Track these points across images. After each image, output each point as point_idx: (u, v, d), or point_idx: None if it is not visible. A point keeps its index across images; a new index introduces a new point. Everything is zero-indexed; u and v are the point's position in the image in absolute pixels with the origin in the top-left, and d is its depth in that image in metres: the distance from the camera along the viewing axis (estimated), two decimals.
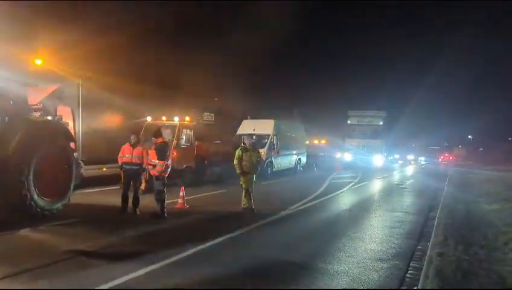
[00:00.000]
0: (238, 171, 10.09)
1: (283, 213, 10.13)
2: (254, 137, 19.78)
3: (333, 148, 32.09)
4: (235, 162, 10.11)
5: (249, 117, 21.03)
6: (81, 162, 13.28)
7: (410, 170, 34.18)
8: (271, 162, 19.25)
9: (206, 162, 15.63)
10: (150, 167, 9.23)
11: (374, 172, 25.51)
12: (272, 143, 19.37)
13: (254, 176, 10.19)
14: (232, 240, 7.24)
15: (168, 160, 9.50)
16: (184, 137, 14.38)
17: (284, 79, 42.31)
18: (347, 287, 5.20)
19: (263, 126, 20.07)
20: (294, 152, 22.34)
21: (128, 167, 9.41)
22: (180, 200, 10.37)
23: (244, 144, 10.32)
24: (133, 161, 9.41)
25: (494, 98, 74.96)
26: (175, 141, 13.74)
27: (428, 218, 10.29)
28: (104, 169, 14.25)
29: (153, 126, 14.45)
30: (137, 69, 18.01)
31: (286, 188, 16.25)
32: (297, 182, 18.79)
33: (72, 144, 9.24)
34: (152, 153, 9.28)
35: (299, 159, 22.92)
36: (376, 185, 18.43)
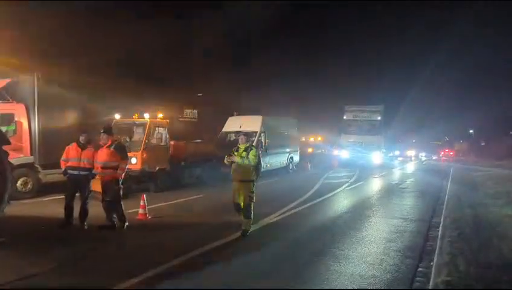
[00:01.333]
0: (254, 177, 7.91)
1: (262, 223, 8.66)
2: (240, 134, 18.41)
3: (331, 145, 30.64)
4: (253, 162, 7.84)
5: (235, 113, 19.55)
6: (38, 166, 11.89)
7: (410, 167, 32.70)
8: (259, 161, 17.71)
9: (183, 163, 14.15)
10: (108, 170, 7.82)
11: (372, 170, 24.03)
12: (259, 141, 17.88)
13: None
14: (179, 271, 5.76)
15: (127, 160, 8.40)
16: (156, 136, 12.91)
17: (280, 75, 40.71)
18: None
19: (250, 123, 18.58)
20: (286, 150, 20.85)
21: (75, 172, 7.94)
22: (141, 210, 8.92)
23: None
24: (82, 165, 7.95)
25: (495, 87, 72.85)
26: (145, 140, 12.26)
27: (431, 226, 8.82)
28: None
29: (122, 125, 13.03)
30: (105, 59, 16.52)
31: (274, 190, 14.79)
32: (288, 183, 17.33)
33: (5, 147, 7.72)
34: (106, 153, 7.86)
35: (291, 157, 21.42)
36: (373, 185, 16.95)
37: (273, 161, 19.30)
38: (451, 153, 59.61)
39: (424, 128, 69.75)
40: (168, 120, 13.55)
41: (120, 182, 8.03)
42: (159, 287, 4.92)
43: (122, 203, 8.06)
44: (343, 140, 27.43)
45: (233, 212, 7.93)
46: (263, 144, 18.28)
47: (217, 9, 31.63)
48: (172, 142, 13.76)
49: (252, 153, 7.98)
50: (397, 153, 47.00)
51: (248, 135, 17.94)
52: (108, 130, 8.19)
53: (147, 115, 12.67)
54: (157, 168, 12.66)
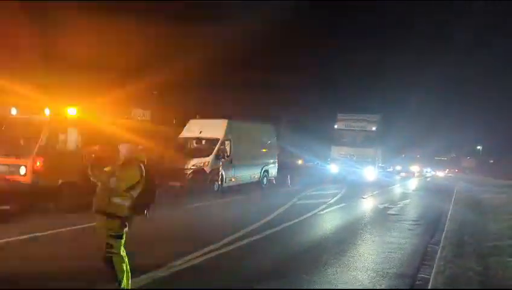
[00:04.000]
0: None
1: (159, 273, 5.53)
2: (203, 142, 15.35)
3: (324, 158, 27.46)
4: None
5: (197, 116, 16.47)
6: None
7: (411, 184, 29.33)
8: (220, 175, 14.61)
9: None
10: None
11: (362, 188, 20.75)
12: (222, 150, 14.76)
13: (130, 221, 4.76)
14: None
15: None
16: (66, 139, 9.85)
17: (270, 82, 37.73)
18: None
19: (212, 128, 15.51)
20: (259, 162, 17.68)
21: None
22: None
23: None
24: None
25: (506, 101, 69.31)
26: (40, 144, 9.19)
27: None
28: None
29: (18, 122, 9.98)
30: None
31: (226, 212, 11.67)
32: (250, 203, 14.17)
33: None
34: None
35: (266, 171, 18.23)
36: (355, 209, 13.69)
37: (241, 174, 16.14)
38: (456, 171, 56.78)
39: (429, 143, 65.98)
40: (85, 118, 10.48)
41: None
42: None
43: None
44: (334, 152, 24.22)
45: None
46: (227, 154, 15.16)
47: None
48: (96, 147, 10.68)
49: (130, 171, 4.84)
50: (399, 168, 43.45)
51: (210, 142, 15.06)
52: None
53: (47, 110, 9.62)
54: (60, 182, 9.55)
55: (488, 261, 6.94)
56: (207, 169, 14.10)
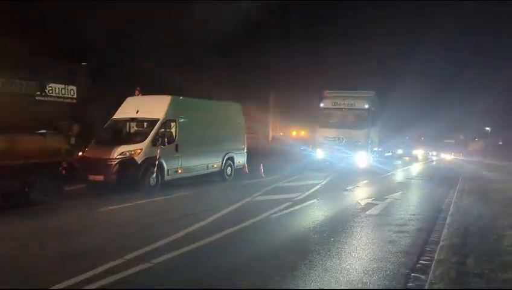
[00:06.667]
0: None
1: None
2: (145, 124, 12.36)
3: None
4: None
5: (137, 92, 13.32)
6: None
7: (410, 171, 26.13)
8: (159, 165, 11.54)
9: None
10: None
11: (350, 177, 17.65)
12: (161, 133, 11.66)
13: None
14: None
15: None
16: None
17: (257, 57, 34.19)
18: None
19: (151, 106, 12.41)
20: (219, 148, 14.57)
21: None
22: None
23: None
24: None
25: None
26: None
27: None
28: None
29: None
30: None
31: (148, 216, 8.64)
32: (197, 199, 11.20)
33: None
34: None
35: (230, 158, 15.12)
36: (323, 211, 10.46)
37: (192, 163, 13.05)
38: (461, 155, 54.22)
39: (435, 123, 62.30)
40: None
41: None
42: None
43: None
44: (319, 135, 20.96)
45: None
46: (171, 139, 12.08)
47: None
48: None
49: None
50: (400, 152, 40.09)
51: (149, 123, 11.99)
52: None
53: None
54: None
55: None
56: (138, 159, 11.04)
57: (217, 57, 28.08)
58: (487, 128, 69.16)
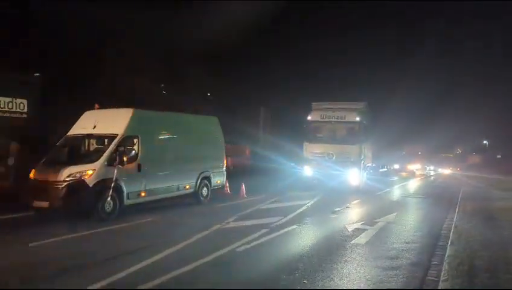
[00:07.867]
0: None
1: None
2: (105, 141, 10.96)
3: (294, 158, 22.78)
4: None
5: (96, 106, 11.92)
6: None
7: (407, 187, 24.68)
8: (116, 188, 10.05)
9: None
10: None
11: (340, 196, 16.17)
12: (120, 151, 10.20)
13: None
14: None
15: None
16: None
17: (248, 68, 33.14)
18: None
19: (111, 121, 11.00)
20: (194, 167, 13.10)
21: None
22: None
23: None
24: None
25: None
26: None
27: None
28: None
29: None
30: None
31: (89, 253, 7.10)
32: (159, 227, 9.67)
33: None
34: None
35: (207, 178, 13.63)
36: (303, 240, 8.95)
37: (159, 185, 11.55)
38: (458, 169, 53.95)
39: (431, 138, 61.04)
40: None
41: None
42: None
43: None
44: (307, 151, 19.49)
45: None
46: (133, 157, 10.63)
47: None
48: None
49: None
50: (396, 167, 38.71)
51: (107, 140, 10.51)
52: None
53: None
54: None
55: None
56: (90, 181, 9.56)
57: (197, 68, 26.94)
58: (485, 142, 68.04)
